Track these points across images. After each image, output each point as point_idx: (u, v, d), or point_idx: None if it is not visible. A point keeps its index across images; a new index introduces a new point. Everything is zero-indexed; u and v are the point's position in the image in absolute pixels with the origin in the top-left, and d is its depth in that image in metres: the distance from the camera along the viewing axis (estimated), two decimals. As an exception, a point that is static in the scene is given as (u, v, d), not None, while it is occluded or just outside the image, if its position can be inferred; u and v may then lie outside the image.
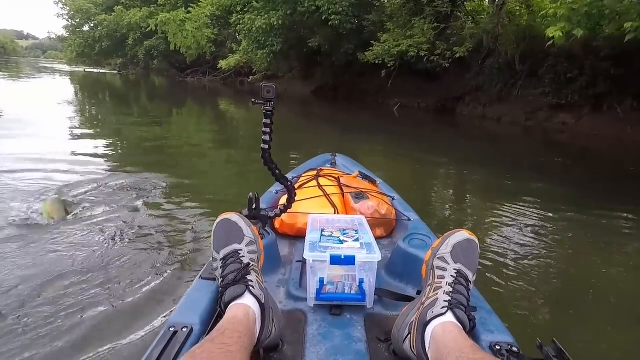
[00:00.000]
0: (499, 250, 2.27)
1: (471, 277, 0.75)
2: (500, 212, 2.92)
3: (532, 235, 2.53)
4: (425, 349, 0.66)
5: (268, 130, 0.98)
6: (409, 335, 0.71)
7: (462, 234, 0.78)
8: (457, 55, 9.22)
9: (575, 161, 5.61)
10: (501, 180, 4.09)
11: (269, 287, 1.00)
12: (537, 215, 2.91)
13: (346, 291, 0.89)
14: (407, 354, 0.70)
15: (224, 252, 0.78)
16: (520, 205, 3.07)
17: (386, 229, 1.35)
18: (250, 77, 18.35)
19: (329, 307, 0.90)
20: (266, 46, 13.21)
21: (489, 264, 2.08)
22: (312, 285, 0.89)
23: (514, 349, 0.71)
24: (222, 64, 17.59)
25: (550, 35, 4.31)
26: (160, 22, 17.41)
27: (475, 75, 10.18)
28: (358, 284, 0.89)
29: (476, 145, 6.63)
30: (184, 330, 0.72)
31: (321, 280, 0.88)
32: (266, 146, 0.99)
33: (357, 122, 9.06)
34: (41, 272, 1.69)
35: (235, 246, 0.78)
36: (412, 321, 0.72)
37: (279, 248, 1.17)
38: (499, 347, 0.72)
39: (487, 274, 1.96)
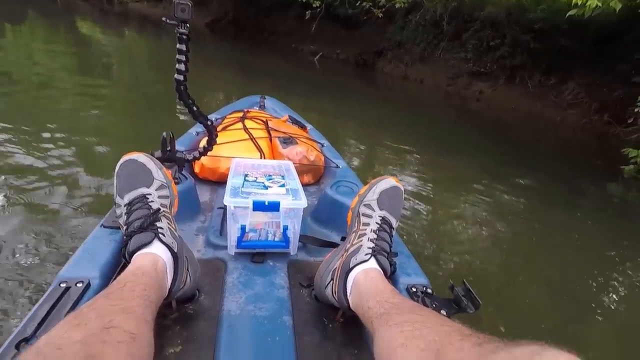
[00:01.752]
0: (419, 199, 2.43)
1: (394, 223, 0.75)
2: (420, 166, 3.11)
3: (448, 187, 2.75)
4: (346, 294, 0.66)
5: (183, 58, 0.84)
6: (332, 282, 0.70)
7: (389, 181, 0.77)
8: (397, 6, 8.44)
9: (485, 133, 5.67)
10: (422, 141, 4.19)
11: (186, 236, 0.92)
12: (450, 171, 3.15)
13: (269, 238, 0.85)
14: (329, 299, 0.70)
15: (129, 196, 0.67)
16: (437, 162, 3.30)
17: (314, 175, 1.32)
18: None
19: (250, 255, 0.86)
20: None
21: (410, 210, 2.22)
22: (232, 233, 0.83)
23: (428, 290, 0.75)
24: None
25: (580, 2, 3.80)
26: None
27: (399, 29, 9.49)
28: (282, 231, 0.85)
29: (401, 107, 6.51)
30: (78, 285, 0.62)
31: (242, 228, 0.82)
32: (181, 77, 0.86)
33: (270, 69, 7.77)
34: None
35: (143, 190, 0.68)
36: (335, 268, 0.71)
37: (199, 194, 1.08)
38: (415, 289, 0.75)
39: (408, 220, 2.09)
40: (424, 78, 8.76)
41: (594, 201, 3.19)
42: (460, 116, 6.63)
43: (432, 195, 2.56)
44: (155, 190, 0.68)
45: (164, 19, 0.81)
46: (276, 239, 0.86)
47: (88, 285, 0.63)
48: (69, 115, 2.93)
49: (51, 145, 2.22)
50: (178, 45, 0.83)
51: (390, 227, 0.74)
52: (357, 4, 8.96)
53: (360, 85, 8.09)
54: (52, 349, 0.35)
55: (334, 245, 0.89)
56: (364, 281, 0.65)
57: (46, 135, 2.37)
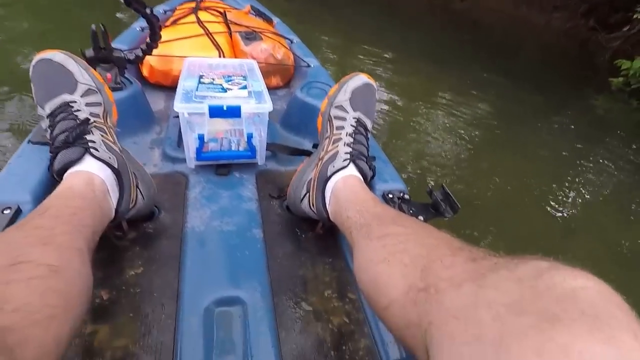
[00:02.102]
0: (392, 103, 2.33)
1: (370, 125, 0.67)
2: (394, 68, 2.92)
3: (423, 91, 2.63)
4: (325, 204, 0.60)
5: None
6: (308, 194, 0.64)
7: (361, 78, 0.66)
8: None
9: (466, 36, 5.33)
10: (398, 43, 3.93)
11: (138, 149, 0.82)
12: (426, 75, 2.99)
13: (233, 148, 0.77)
14: (306, 211, 0.65)
15: (50, 105, 0.55)
16: (412, 65, 3.11)
17: (283, 77, 1.18)
18: None
19: (214, 167, 0.78)
20: None
21: (383, 114, 2.13)
22: (190, 144, 0.74)
23: (406, 196, 0.71)
24: None
25: None
26: None
27: None
28: (246, 139, 0.76)
29: (376, 9, 5.85)
30: (5, 212, 0.54)
31: (201, 137, 0.73)
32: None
33: None
34: None
35: (65, 97, 0.55)
36: (311, 178, 0.64)
37: (150, 101, 0.94)
38: (391, 196, 0.71)
39: (382, 124, 2.02)
40: None
41: (577, 110, 3.13)
42: (443, 17, 6.19)
43: (405, 100, 2.45)
44: (81, 96, 0.56)
45: None
46: (240, 149, 0.77)
47: (18, 211, 0.54)
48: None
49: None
50: None
51: (366, 129, 0.66)
52: None
53: None
54: None
55: (306, 152, 0.81)
56: (343, 189, 0.59)
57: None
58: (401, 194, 0.71)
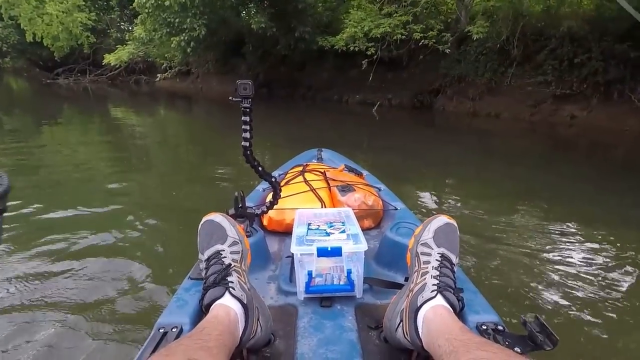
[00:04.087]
0: (484, 235, 2.31)
1: (454, 259, 0.76)
2: (495, 208, 2.93)
3: (508, 223, 2.56)
4: (418, 333, 0.66)
5: (248, 127, 0.98)
6: (401, 323, 0.71)
7: (442, 219, 0.79)
8: (475, 37, 7.36)
9: (585, 163, 4.87)
10: (497, 180, 3.84)
11: (259, 284, 1.00)
12: (538, 213, 2.87)
13: (335, 282, 0.90)
14: (401, 341, 0.71)
15: (207, 253, 0.78)
16: (519, 202, 3.03)
17: (374, 219, 1.36)
18: (158, 75, 14.59)
19: (319, 300, 0.91)
20: (183, 30, 9.32)
21: (473, 248, 2.12)
22: (300, 279, 0.89)
23: (499, 327, 0.73)
24: (109, 58, 13.24)
25: None
26: (4, 3, 12.24)
27: (454, 62, 8.55)
28: (346, 275, 0.89)
29: (470, 146, 5.70)
30: (173, 330, 0.72)
31: (309, 273, 0.89)
32: (247, 143, 0.99)
33: (326, 130, 6.73)
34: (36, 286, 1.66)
35: (218, 247, 0.78)
36: (403, 308, 0.72)
37: (269, 245, 1.17)
38: (485, 327, 0.74)
39: (471, 257, 2.00)
40: (500, 111, 7.83)
41: None
42: (551, 147, 5.84)
43: (511, 241, 2.38)
44: (229, 246, 0.78)
45: (230, 98, 0.97)
46: (341, 283, 0.90)
47: (181, 330, 0.72)
48: (172, 188, 3.19)
49: (123, 226, 2.37)
50: (243, 118, 0.98)
51: (451, 263, 0.75)
52: (419, 40, 7.98)
53: (421, 129, 7.47)
54: None
55: (398, 286, 0.90)
56: (433, 319, 0.66)
57: (107, 216, 2.54)
58: (495, 325, 0.74)
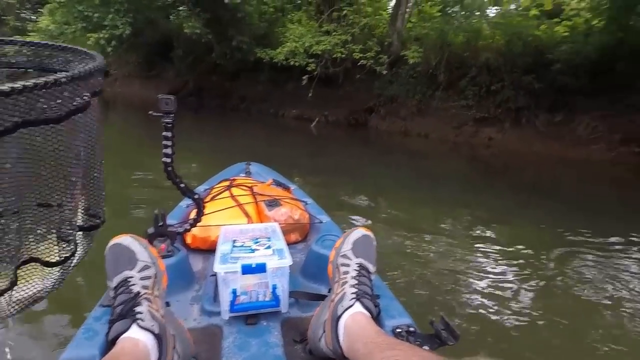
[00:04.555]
0: (405, 246, 2.50)
1: (372, 268, 0.82)
2: (419, 219, 3.18)
3: (428, 236, 2.80)
4: (339, 342, 0.70)
5: (169, 143, 0.95)
6: (324, 333, 0.74)
7: (360, 231, 0.85)
8: (412, 61, 7.81)
9: (500, 179, 5.54)
10: (424, 194, 4.13)
11: (180, 306, 0.96)
12: (459, 222, 3.20)
13: (260, 299, 0.90)
14: (324, 351, 0.74)
15: (115, 280, 0.72)
16: (441, 212, 3.34)
17: (301, 233, 1.39)
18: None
19: (244, 318, 0.90)
20: (103, 27, 8.54)
21: (395, 257, 2.28)
22: (225, 298, 0.88)
23: (411, 329, 0.79)
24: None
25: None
26: None
27: (387, 83, 8.85)
28: (271, 290, 0.90)
29: (402, 163, 6.09)
30: None
31: (234, 292, 0.88)
32: (168, 160, 0.96)
33: (261, 144, 6.65)
34: None
35: (126, 273, 0.72)
36: (326, 319, 0.75)
37: (192, 264, 1.13)
38: (399, 330, 0.80)
39: (392, 266, 2.14)
40: (429, 131, 8.28)
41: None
42: (471, 166, 6.49)
43: (428, 245, 2.61)
44: (138, 272, 0.73)
45: (150, 112, 0.93)
46: (267, 299, 0.90)
47: None
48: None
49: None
50: (164, 133, 0.95)
51: (368, 272, 0.80)
52: (358, 60, 8.19)
53: (356, 146, 7.69)
54: None
55: (323, 297, 0.93)
56: (352, 325, 0.69)
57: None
58: (408, 328, 0.80)
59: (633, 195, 4.74)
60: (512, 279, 2.24)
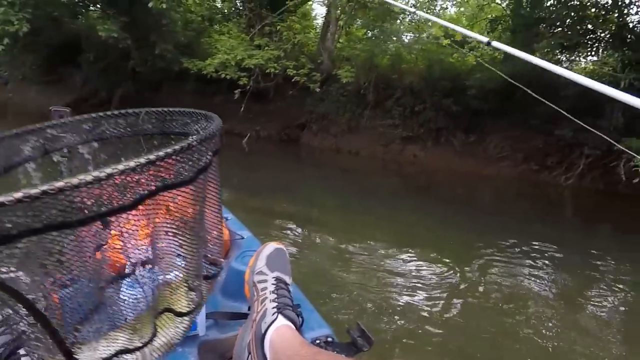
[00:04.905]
0: (329, 257, 2.59)
1: (288, 280, 0.83)
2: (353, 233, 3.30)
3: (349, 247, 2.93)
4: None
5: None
6: (250, 355, 0.72)
7: (271, 246, 0.85)
8: (344, 81, 8.03)
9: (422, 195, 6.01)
10: (353, 210, 4.30)
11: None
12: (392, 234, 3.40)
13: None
14: None
15: None
16: (374, 226, 3.53)
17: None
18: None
19: (157, 346, 0.84)
20: None
21: (317, 270, 2.34)
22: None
23: (329, 339, 0.82)
24: None
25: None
26: None
27: (319, 100, 9.02)
28: (187, 314, 0.86)
29: (334, 181, 6.24)
30: None
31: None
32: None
33: None
34: None
35: None
36: (249, 340, 0.73)
37: None
38: (318, 341, 0.82)
39: (313, 278, 2.20)
40: (359, 149, 8.60)
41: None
42: (398, 181, 6.95)
43: (354, 259, 2.71)
44: None
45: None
46: (182, 323, 0.86)
47: None
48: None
49: None
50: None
51: (286, 284, 0.81)
52: (293, 76, 8.18)
53: (288, 162, 7.69)
54: None
55: (244, 315, 0.92)
56: (277, 340, 0.69)
57: None
58: (326, 338, 0.82)
59: (533, 207, 5.62)
60: (430, 284, 2.45)
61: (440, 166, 7.76)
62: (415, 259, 2.82)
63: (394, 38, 8.92)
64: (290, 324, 0.73)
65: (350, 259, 2.64)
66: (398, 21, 9.35)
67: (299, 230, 3.30)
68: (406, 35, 9.31)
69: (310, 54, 9.42)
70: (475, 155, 7.92)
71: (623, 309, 2.51)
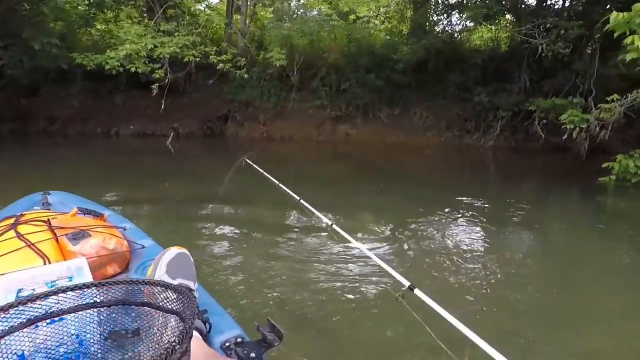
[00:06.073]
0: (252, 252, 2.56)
1: (193, 285, 0.79)
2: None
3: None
4: None
5: None
6: None
7: (172, 251, 0.81)
8: (278, 64, 7.56)
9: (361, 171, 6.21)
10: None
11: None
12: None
13: (62, 351, 0.76)
14: None
15: None
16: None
17: (120, 263, 1.23)
18: None
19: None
20: None
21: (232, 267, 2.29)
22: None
23: (239, 339, 0.81)
24: None
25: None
26: None
27: (238, 87, 8.59)
28: (77, 339, 0.77)
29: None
30: None
31: (22, 357, 0.71)
32: None
33: (86, 173, 5.53)
34: None
35: None
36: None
37: None
38: (228, 344, 0.80)
39: (225, 275, 2.15)
40: (292, 134, 8.41)
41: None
42: (335, 161, 7.19)
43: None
44: None
45: None
46: (71, 349, 0.77)
47: None
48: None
49: None
50: None
51: (190, 290, 0.77)
52: (216, 63, 7.37)
53: (213, 157, 7.14)
54: None
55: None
56: None
57: None
58: (236, 339, 0.81)
59: (458, 170, 6.49)
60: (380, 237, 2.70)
61: (372, 140, 8.24)
62: (361, 231, 3.05)
63: (300, 12, 9.17)
64: (197, 333, 0.70)
65: (261, 252, 2.65)
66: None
67: (229, 223, 3.28)
68: (298, 12, 9.46)
69: (218, 39, 8.95)
70: (403, 126, 8.55)
71: (540, 239, 3.24)
